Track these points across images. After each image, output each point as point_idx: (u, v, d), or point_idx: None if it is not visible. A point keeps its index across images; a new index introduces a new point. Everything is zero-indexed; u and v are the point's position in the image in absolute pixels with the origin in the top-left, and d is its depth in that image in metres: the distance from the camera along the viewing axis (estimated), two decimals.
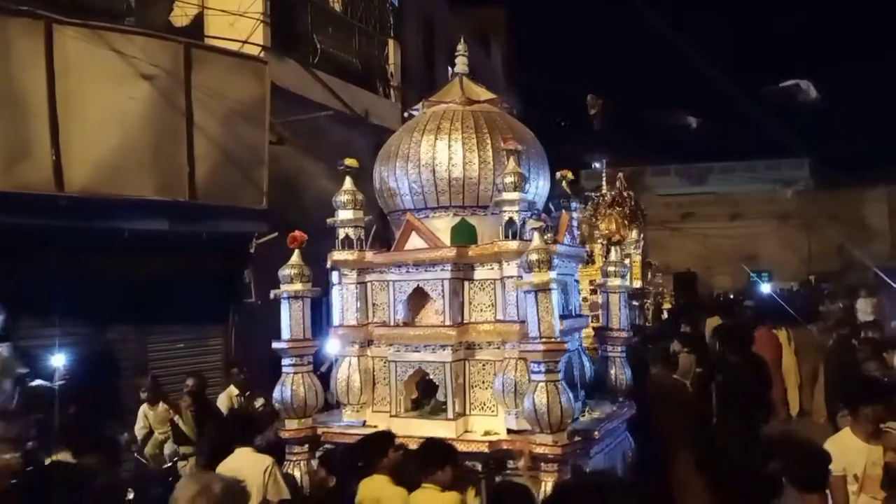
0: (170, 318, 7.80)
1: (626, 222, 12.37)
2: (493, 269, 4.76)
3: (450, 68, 6.02)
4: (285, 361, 4.96)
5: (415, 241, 4.95)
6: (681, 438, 5.94)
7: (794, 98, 16.17)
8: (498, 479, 4.37)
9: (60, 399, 5.83)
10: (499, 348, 4.69)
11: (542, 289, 4.26)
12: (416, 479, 4.13)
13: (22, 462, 4.38)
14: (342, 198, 5.16)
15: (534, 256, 4.31)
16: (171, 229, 7.28)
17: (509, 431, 4.54)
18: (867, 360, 6.97)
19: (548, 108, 20.35)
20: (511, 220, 4.62)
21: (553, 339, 4.23)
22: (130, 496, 4.67)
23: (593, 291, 7.99)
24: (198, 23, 8.90)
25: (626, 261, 9.26)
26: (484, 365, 4.77)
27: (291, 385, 4.90)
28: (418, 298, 4.93)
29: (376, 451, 4.32)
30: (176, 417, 6.64)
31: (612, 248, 5.98)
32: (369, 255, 5.11)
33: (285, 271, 4.97)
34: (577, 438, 4.34)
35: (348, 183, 5.20)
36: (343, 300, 5.16)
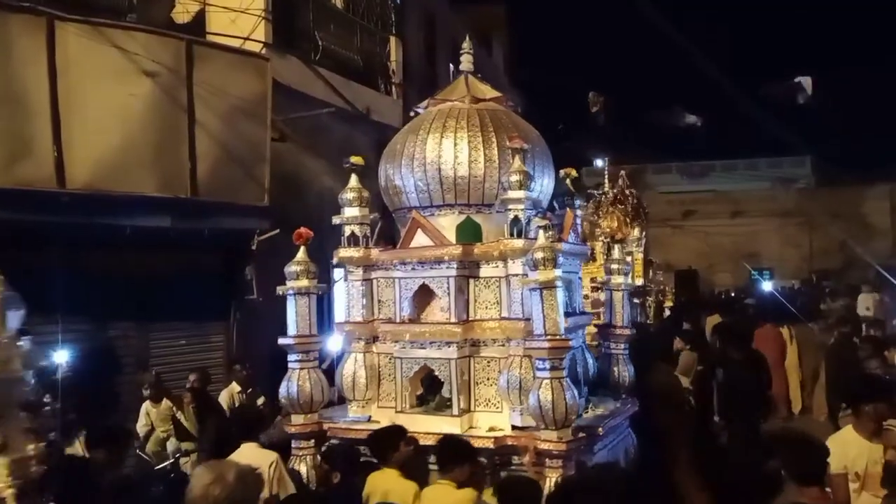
0: (171, 314, 7.78)
1: (627, 220, 12.33)
2: (498, 266, 4.78)
3: (451, 65, 6.01)
4: (291, 357, 4.98)
5: (420, 239, 4.97)
6: (681, 436, 5.95)
7: (794, 95, 16.16)
8: (503, 474, 4.38)
9: (63, 395, 5.82)
10: (503, 345, 4.71)
11: (547, 286, 4.27)
12: (426, 474, 4.13)
13: (48, 453, 4.40)
14: (348, 195, 5.17)
15: (539, 254, 4.32)
16: (172, 226, 7.26)
17: (514, 428, 4.56)
18: (868, 358, 6.97)
19: (549, 105, 20.34)
20: (516, 219, 4.64)
21: (558, 337, 4.25)
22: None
23: (595, 289, 8.00)
24: (199, 19, 8.88)
25: (628, 258, 9.25)
26: (489, 362, 4.80)
27: (297, 381, 4.93)
28: (424, 295, 4.95)
29: (387, 445, 4.33)
30: (178, 413, 6.66)
31: (615, 246, 5.99)
32: (375, 253, 5.12)
33: (291, 268, 4.98)
34: (581, 435, 4.37)
35: (354, 180, 5.20)
36: (349, 297, 5.18)
